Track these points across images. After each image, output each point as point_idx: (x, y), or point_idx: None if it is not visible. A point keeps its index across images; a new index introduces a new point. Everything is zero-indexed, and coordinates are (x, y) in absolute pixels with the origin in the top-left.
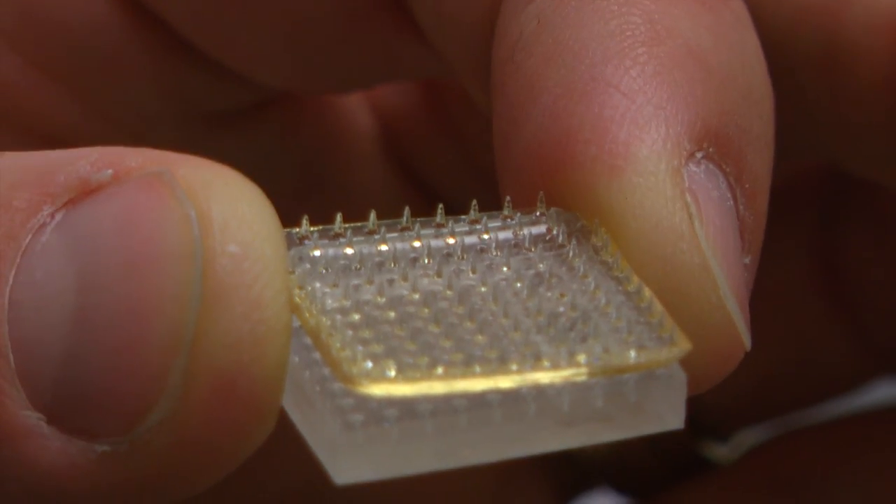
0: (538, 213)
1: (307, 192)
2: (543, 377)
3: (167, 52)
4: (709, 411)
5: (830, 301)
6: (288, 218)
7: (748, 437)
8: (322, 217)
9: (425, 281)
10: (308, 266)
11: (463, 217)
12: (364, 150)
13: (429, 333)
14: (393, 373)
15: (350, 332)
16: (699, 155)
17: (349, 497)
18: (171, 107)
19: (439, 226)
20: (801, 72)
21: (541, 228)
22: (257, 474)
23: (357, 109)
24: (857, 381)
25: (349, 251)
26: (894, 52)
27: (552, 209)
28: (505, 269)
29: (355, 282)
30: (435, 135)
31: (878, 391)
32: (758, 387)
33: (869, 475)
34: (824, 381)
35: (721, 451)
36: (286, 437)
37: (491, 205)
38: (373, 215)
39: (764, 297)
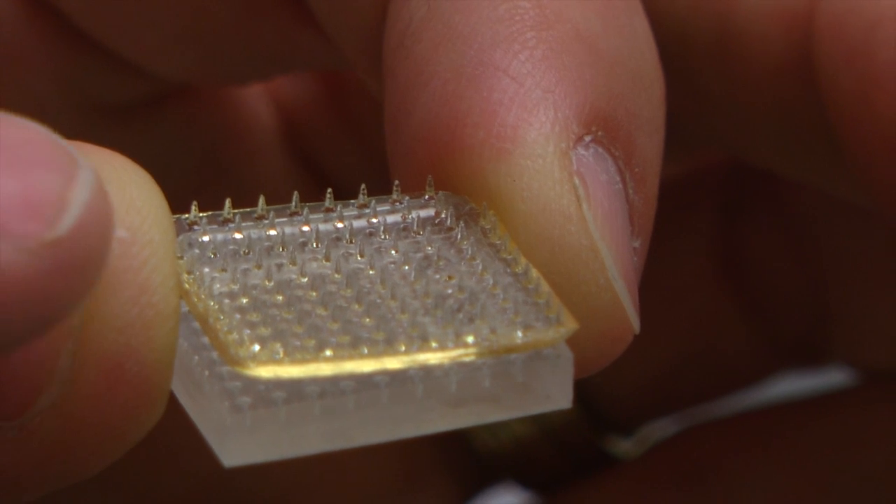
0: (427, 197)
1: (207, 185)
2: (431, 358)
3: (63, 43)
4: (613, 406)
5: (732, 294)
6: (187, 210)
7: (652, 432)
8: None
9: (314, 265)
10: (197, 251)
11: (352, 201)
12: (264, 142)
13: (316, 316)
14: (280, 355)
15: (238, 316)
16: (588, 138)
17: (253, 492)
18: (68, 98)
19: (328, 210)
20: (695, 59)
21: (429, 212)
22: (163, 462)
23: (256, 102)
24: (759, 374)
25: (238, 236)
26: (785, 40)
27: (441, 193)
28: (393, 252)
29: (244, 266)
30: (334, 126)
31: (780, 385)
32: (661, 380)
33: (771, 468)
34: (727, 374)
35: (625, 446)
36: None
37: (387, 193)
38: (261, 200)
39: (666, 290)
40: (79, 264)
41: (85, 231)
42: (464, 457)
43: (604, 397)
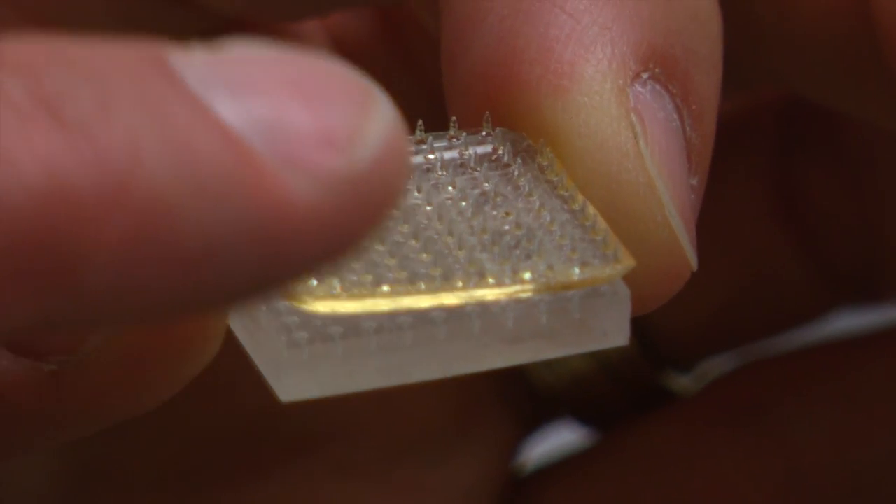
0: (484, 133)
1: None
2: (488, 294)
3: None
4: (670, 342)
5: (790, 230)
6: None
7: (710, 368)
8: None
9: None
10: None
11: (409, 137)
12: None
13: (374, 252)
14: (337, 290)
15: None
16: (645, 75)
17: (306, 427)
18: (123, 32)
19: None
20: None
21: (487, 148)
22: (217, 396)
23: (313, 37)
24: (817, 310)
25: None
26: None
27: (498, 129)
28: (450, 188)
29: None
30: (391, 62)
31: (837, 322)
32: (719, 316)
33: (830, 405)
34: (784, 311)
35: (683, 382)
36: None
37: (444, 129)
38: None
39: (723, 227)
40: (373, 200)
41: (381, 166)
42: (521, 392)
43: (661, 333)
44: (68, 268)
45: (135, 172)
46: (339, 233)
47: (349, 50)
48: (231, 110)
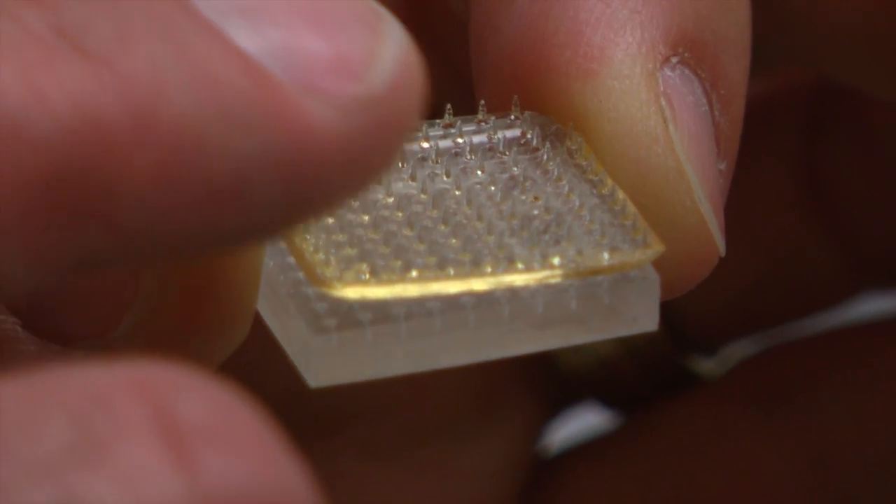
0: (513, 117)
1: None
2: (517, 279)
3: None
4: (696, 325)
5: (816, 213)
6: None
7: (735, 351)
8: None
9: (400, 185)
10: None
11: (437, 121)
12: None
13: (403, 237)
14: (367, 276)
15: (324, 236)
16: (674, 60)
17: (330, 410)
18: None
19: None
20: None
21: (515, 132)
22: (243, 378)
23: None
24: (843, 294)
25: None
26: None
27: (527, 113)
28: (479, 172)
29: None
30: (418, 46)
31: (864, 305)
32: (744, 300)
33: (856, 389)
34: (810, 294)
35: (708, 365)
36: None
37: (472, 113)
38: None
39: (749, 210)
40: (391, 122)
41: (397, 87)
42: (546, 376)
43: (687, 316)
44: (101, 200)
45: (159, 102)
46: (360, 157)
47: None
48: (248, 38)
